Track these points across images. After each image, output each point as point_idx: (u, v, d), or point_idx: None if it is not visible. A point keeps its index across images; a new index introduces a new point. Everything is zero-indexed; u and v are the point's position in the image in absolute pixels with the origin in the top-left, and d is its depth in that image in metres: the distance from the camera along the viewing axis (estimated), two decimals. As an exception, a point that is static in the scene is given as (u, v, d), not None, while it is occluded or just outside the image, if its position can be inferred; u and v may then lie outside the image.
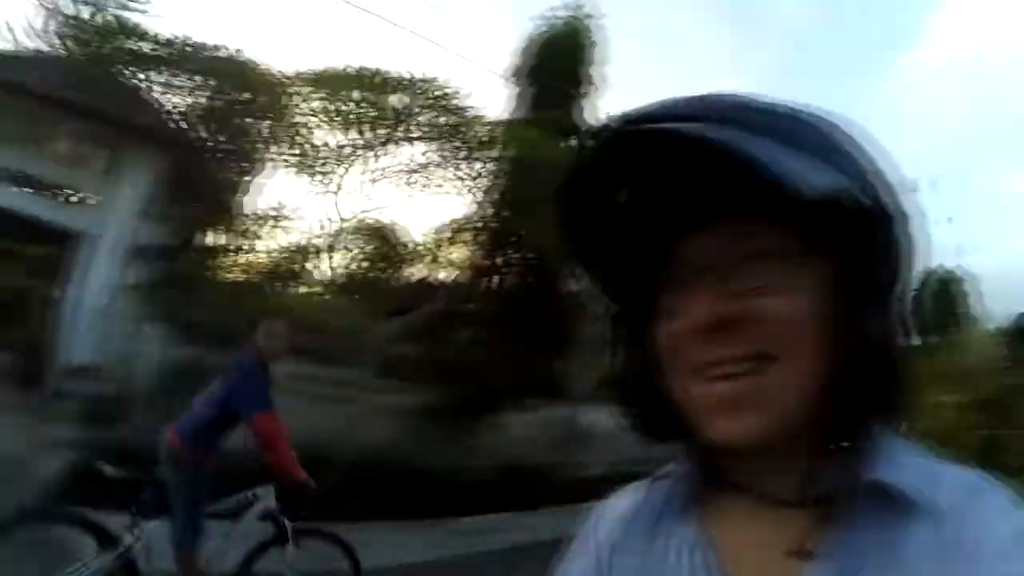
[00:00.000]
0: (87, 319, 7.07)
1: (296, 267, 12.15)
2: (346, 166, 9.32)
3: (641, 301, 0.50)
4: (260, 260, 12.32)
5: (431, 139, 9.12)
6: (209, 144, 10.48)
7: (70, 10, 8.29)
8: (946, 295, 20.45)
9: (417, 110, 9.04)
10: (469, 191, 9.01)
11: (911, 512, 0.42)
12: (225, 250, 11.85)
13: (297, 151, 9.37)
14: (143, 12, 8.51)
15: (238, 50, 9.97)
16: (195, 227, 10.38)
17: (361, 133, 9.21)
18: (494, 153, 8.88)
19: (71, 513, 3.18)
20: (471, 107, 9.24)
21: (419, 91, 9.02)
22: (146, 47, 8.63)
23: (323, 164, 9.33)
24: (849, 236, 0.43)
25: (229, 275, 11.68)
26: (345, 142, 9.27)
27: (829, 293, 0.43)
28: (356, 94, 9.02)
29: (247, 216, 11.88)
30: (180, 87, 9.48)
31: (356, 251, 10.37)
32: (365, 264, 10.40)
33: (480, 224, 8.68)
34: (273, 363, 3.37)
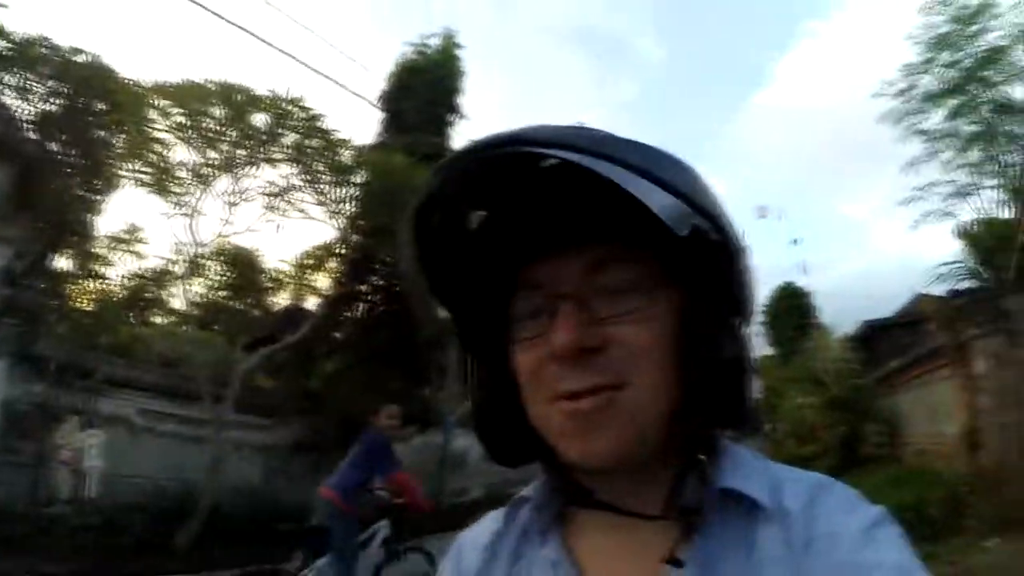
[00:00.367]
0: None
1: (151, 295, 11.18)
2: (205, 186, 8.69)
3: (495, 327, 0.51)
4: (113, 287, 11.28)
5: (295, 161, 8.74)
6: (59, 156, 9.45)
7: None
8: (796, 308, 22.89)
9: (281, 131, 8.65)
10: (333, 216, 8.70)
11: (761, 516, 0.45)
12: (75, 275, 10.72)
13: (153, 168, 8.64)
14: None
15: (97, 55, 9.23)
16: (41, 249, 9.22)
17: (222, 152, 8.66)
18: (359, 178, 8.68)
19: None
20: (337, 130, 8.99)
21: (284, 111, 8.64)
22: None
23: (181, 183, 8.67)
24: (700, 267, 0.46)
25: (79, 304, 10.59)
26: (205, 161, 8.68)
27: (680, 319, 0.46)
28: (218, 111, 8.49)
29: (99, 238, 10.85)
30: (30, 91, 8.65)
31: (216, 278, 9.69)
32: (224, 292, 9.74)
33: (344, 250, 8.43)
34: (393, 437, 4.72)
